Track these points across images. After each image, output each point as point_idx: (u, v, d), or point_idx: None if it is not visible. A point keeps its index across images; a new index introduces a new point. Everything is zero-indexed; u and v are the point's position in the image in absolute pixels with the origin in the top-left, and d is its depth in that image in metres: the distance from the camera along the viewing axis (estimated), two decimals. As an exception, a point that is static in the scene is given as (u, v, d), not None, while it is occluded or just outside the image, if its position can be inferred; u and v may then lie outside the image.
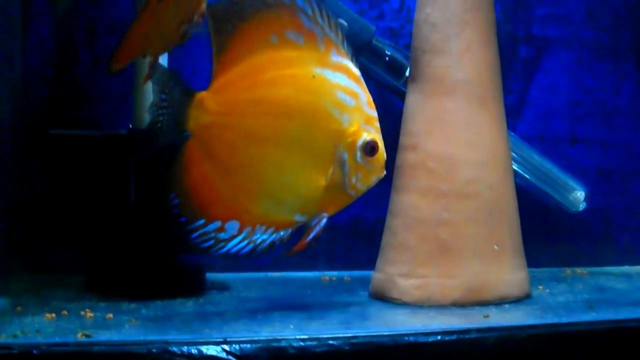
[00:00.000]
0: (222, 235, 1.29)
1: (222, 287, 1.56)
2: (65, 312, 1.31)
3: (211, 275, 1.59)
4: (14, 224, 1.57)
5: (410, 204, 1.45)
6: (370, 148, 1.31)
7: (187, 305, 1.40)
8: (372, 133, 1.32)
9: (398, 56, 1.71)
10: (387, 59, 1.71)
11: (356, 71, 1.33)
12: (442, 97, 1.46)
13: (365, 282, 1.54)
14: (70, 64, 1.67)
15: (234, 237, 1.29)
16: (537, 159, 1.81)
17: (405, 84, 1.64)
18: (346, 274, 1.72)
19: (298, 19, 1.30)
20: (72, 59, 1.67)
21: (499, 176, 1.47)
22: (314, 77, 1.30)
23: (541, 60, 1.88)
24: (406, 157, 1.47)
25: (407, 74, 1.66)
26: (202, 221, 1.28)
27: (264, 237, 1.30)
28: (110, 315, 1.29)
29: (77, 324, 1.24)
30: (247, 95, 1.29)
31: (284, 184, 1.30)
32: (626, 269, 1.90)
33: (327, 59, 1.31)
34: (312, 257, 1.75)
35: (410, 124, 1.48)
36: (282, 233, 1.32)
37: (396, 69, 1.71)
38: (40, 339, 1.14)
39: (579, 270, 1.83)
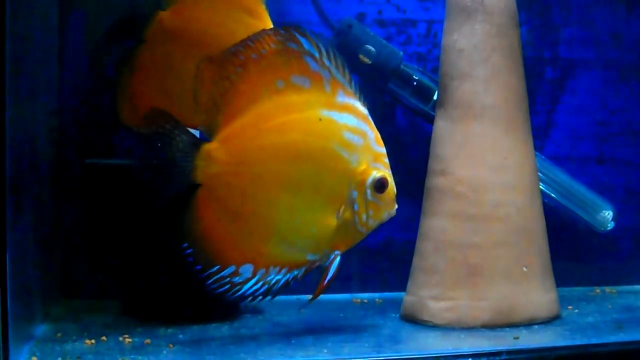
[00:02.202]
0: (237, 279, 1.30)
1: (256, 310, 1.58)
2: (104, 337, 1.34)
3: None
4: (52, 251, 1.60)
5: (439, 228, 1.47)
6: (380, 185, 1.32)
7: (222, 330, 1.43)
8: (382, 170, 1.33)
9: (426, 80, 1.73)
10: (414, 83, 1.73)
11: (363, 110, 1.33)
12: (470, 122, 1.48)
13: (396, 304, 1.56)
14: (104, 93, 1.70)
15: (248, 279, 1.30)
16: (564, 179, 1.82)
17: (433, 108, 1.66)
18: (377, 296, 1.75)
19: (304, 62, 1.31)
20: (106, 88, 1.70)
21: (526, 199, 1.48)
22: (320, 119, 1.30)
23: (567, 81, 1.90)
24: (435, 182, 1.49)
25: (434, 98, 1.68)
26: (216, 267, 1.29)
27: (278, 277, 1.32)
28: (148, 340, 1.32)
29: (116, 350, 1.27)
30: (255, 143, 1.30)
31: (295, 226, 1.31)
32: (655, 287, 1.91)
33: (333, 100, 1.32)
34: (344, 279, 1.77)
35: (439, 149, 1.50)
36: (295, 272, 1.33)
37: (424, 93, 1.73)
38: (82, 365, 1.17)
39: (607, 289, 1.85)
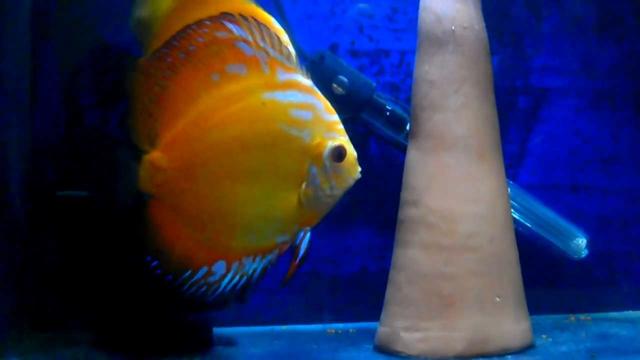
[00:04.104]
0: (212, 279, 1.27)
1: (229, 342, 1.57)
2: (74, 372, 1.33)
3: (218, 330, 1.60)
4: (23, 282, 1.58)
5: (412, 259, 1.47)
6: (337, 154, 1.28)
7: (194, 363, 1.42)
8: (337, 138, 1.29)
9: (399, 110, 1.73)
10: (387, 113, 1.73)
11: (307, 82, 1.29)
12: (442, 153, 1.48)
13: (370, 334, 1.55)
14: (78, 124, 1.70)
15: (224, 275, 1.28)
16: (538, 207, 1.82)
17: (406, 138, 1.66)
18: (351, 326, 1.74)
19: (237, 49, 1.27)
20: (80, 119, 1.70)
21: (499, 229, 1.49)
22: (263, 103, 1.27)
23: (540, 110, 1.91)
24: (408, 212, 1.50)
25: (407, 127, 1.68)
26: (188, 272, 1.27)
27: (254, 265, 1.29)
28: (119, 374, 1.31)
29: (86, 384, 1.26)
30: (200, 143, 1.27)
31: (258, 214, 1.28)
32: (630, 314, 1.91)
33: (274, 80, 1.27)
34: (318, 309, 1.76)
35: (411, 180, 1.50)
36: (270, 257, 1.30)
37: (397, 123, 1.73)
38: (50, 401, 1.16)
39: (582, 316, 1.85)
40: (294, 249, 1.32)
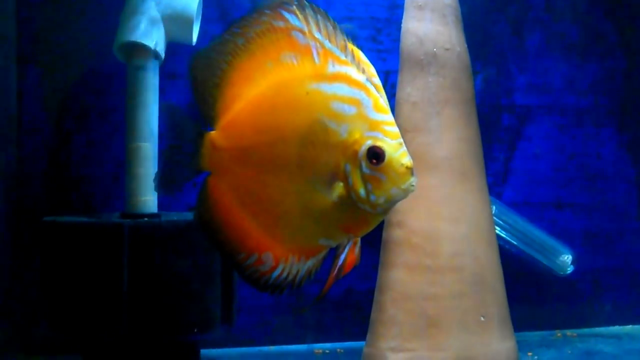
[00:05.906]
0: (262, 268, 1.23)
1: (216, 364, 1.59)
2: (62, 397, 1.33)
3: (206, 352, 1.61)
4: (11, 307, 1.59)
5: (397, 280, 1.48)
6: (372, 155, 1.17)
7: (182, 386, 1.43)
8: (379, 139, 1.18)
9: (383, 131, 1.74)
10: (372, 134, 1.74)
11: (358, 77, 1.21)
12: (425, 174, 1.49)
13: (358, 353, 1.56)
14: (64, 149, 1.71)
15: (273, 268, 1.22)
16: (523, 225, 1.84)
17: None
18: (339, 346, 1.75)
19: (293, 38, 1.23)
20: (66, 144, 1.71)
21: (482, 248, 1.50)
22: (307, 93, 1.21)
23: (524, 128, 1.93)
24: (392, 234, 1.51)
25: (392, 148, 1.70)
26: (242, 254, 1.23)
27: (299, 266, 1.23)
28: (106, 399, 1.31)
29: (73, 410, 1.27)
30: (251, 127, 1.25)
31: (296, 208, 1.22)
32: (616, 329, 1.93)
33: (323, 71, 1.21)
34: (306, 329, 1.77)
35: (395, 201, 1.51)
36: (314, 260, 1.23)
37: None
38: None
39: (569, 332, 1.86)
40: (334, 258, 1.25)
